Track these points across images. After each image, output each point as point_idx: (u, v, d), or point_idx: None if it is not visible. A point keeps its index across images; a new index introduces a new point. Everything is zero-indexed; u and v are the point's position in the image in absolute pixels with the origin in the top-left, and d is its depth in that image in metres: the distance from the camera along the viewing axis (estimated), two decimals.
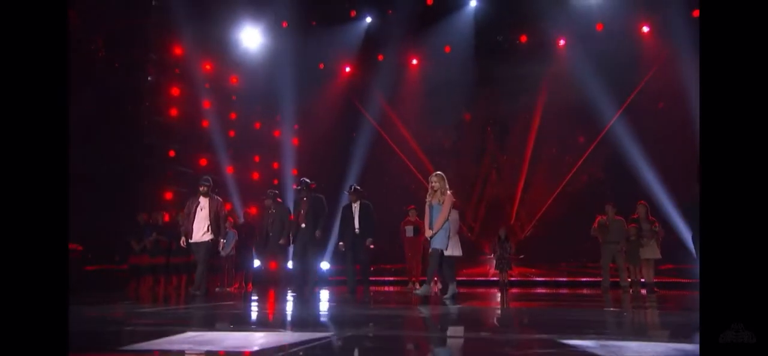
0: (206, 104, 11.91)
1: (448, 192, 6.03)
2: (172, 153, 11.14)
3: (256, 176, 13.24)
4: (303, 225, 7.21)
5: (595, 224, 7.97)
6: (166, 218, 9.53)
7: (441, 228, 5.95)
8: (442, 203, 5.97)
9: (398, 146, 13.86)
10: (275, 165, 13.73)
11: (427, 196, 6.15)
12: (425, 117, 13.65)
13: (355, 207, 7.26)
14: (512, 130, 13.18)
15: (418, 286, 8.76)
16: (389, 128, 13.82)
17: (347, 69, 13.85)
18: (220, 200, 7.40)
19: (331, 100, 13.73)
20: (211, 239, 7.08)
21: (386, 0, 11.92)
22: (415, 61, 13.36)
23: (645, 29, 11.21)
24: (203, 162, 11.81)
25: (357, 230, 7.14)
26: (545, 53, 12.23)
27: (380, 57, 13.23)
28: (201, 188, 7.32)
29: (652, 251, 7.58)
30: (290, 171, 13.81)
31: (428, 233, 6.03)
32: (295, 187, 10.10)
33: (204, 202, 7.24)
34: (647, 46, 11.31)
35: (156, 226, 9.16)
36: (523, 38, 12.21)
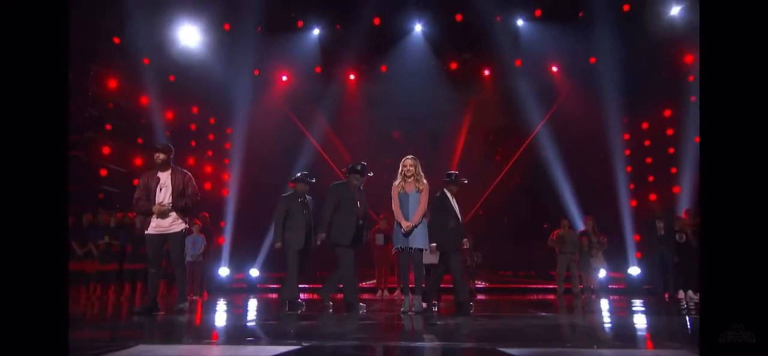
0: (144, 100, 11.21)
1: (424, 180, 5.28)
2: (106, 150, 10.30)
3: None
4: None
5: (554, 236, 9.02)
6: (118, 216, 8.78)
7: (420, 222, 5.16)
8: (421, 191, 5.17)
9: (330, 157, 14.36)
10: (208, 169, 13.26)
11: (398, 182, 5.30)
12: (358, 132, 14.38)
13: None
14: (439, 148, 14.47)
15: (387, 293, 9.26)
16: (322, 140, 14.27)
17: (284, 78, 14.00)
18: (188, 174, 5.28)
19: (265, 107, 13.71)
20: (184, 229, 5.17)
21: (336, 15, 12.38)
22: (352, 77, 14.00)
23: (554, 68, 13.32)
24: (138, 162, 11.07)
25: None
26: (472, 80, 13.76)
27: (317, 69, 13.64)
28: (157, 157, 5.14)
29: (599, 261, 8.86)
30: (221, 176, 13.49)
31: (406, 225, 5.10)
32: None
33: (165, 177, 5.13)
34: (555, 82, 13.45)
35: (107, 228, 8.48)
36: (454, 65, 13.58)
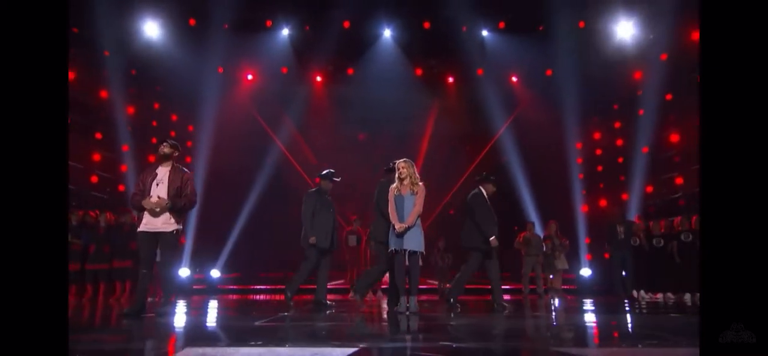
0: (103, 94, 10.77)
1: (420, 183, 5.37)
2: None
3: None
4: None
5: (520, 239, 9.44)
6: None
7: (415, 224, 5.25)
8: (416, 193, 5.25)
9: (295, 157, 14.33)
10: None
11: (394, 185, 5.40)
12: (323, 133, 14.43)
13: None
14: (403, 150, 14.74)
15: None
16: (287, 140, 14.21)
17: (249, 77, 13.83)
18: (189, 173, 5.09)
19: (229, 105, 13.50)
20: (176, 230, 4.94)
21: (306, 16, 12.39)
22: (319, 79, 14.03)
23: (514, 79, 13.95)
24: (96, 157, 10.63)
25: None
26: (436, 87, 14.15)
27: (284, 69, 13.57)
28: (161, 151, 5.03)
29: (562, 263, 9.38)
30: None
31: (400, 227, 5.18)
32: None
33: (163, 173, 4.96)
34: (515, 91, 14.09)
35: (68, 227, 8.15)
36: (419, 71, 13.91)
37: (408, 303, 5.28)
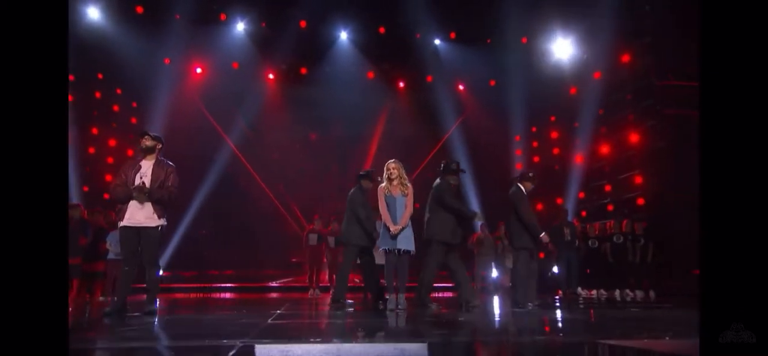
0: None
1: (409, 185, 5.50)
2: None
3: None
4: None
5: (474, 239, 9.97)
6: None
7: (407, 226, 5.38)
8: (406, 195, 5.41)
9: (244, 155, 14.13)
10: (110, 159, 12.25)
11: (383, 185, 5.48)
12: (273, 131, 14.34)
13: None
14: (353, 151, 14.99)
15: (318, 292, 9.43)
16: (237, 137, 13.98)
17: (198, 70, 13.47)
18: (173, 166, 4.91)
19: (177, 98, 13.07)
20: (161, 226, 4.78)
21: (263, 13, 12.29)
22: (271, 76, 13.93)
23: (461, 87, 14.65)
24: None
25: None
26: (387, 91, 14.53)
27: (235, 65, 13.35)
28: (143, 143, 4.85)
29: (510, 262, 9.98)
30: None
31: (395, 229, 5.31)
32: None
33: (147, 166, 4.82)
34: (462, 98, 14.81)
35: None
36: (371, 75, 14.23)
37: (397, 300, 5.41)
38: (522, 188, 6.28)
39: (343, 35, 13.05)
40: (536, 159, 14.25)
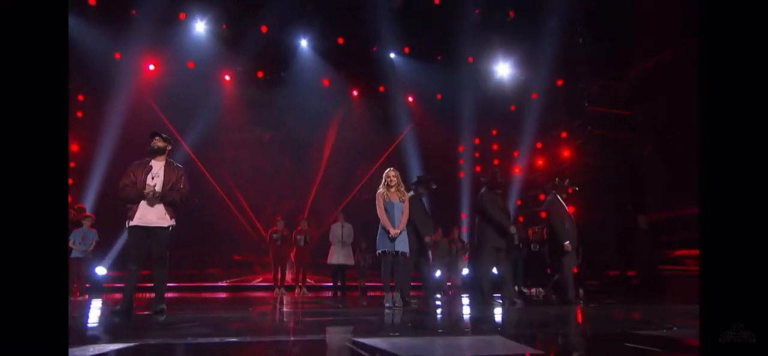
0: None
1: (405, 192, 6.00)
2: None
3: None
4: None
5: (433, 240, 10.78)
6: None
7: (404, 229, 5.86)
8: (403, 201, 5.90)
9: (196, 155, 14.00)
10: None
11: (382, 191, 5.94)
12: (227, 132, 14.36)
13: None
14: (307, 155, 15.34)
15: (284, 292, 9.73)
16: (190, 137, 13.82)
17: (151, 67, 13.21)
18: (182, 168, 5.07)
19: (127, 94, 12.75)
20: (172, 226, 4.87)
21: (223, 14, 12.37)
22: (227, 78, 13.96)
23: (410, 99, 15.54)
24: None
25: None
26: (340, 98, 15.06)
27: (190, 64, 13.26)
28: (155, 144, 4.96)
29: (462, 263, 10.93)
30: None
31: (394, 232, 5.74)
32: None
33: (158, 167, 4.91)
34: (411, 109, 15.69)
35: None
36: (326, 82, 14.70)
37: (393, 298, 5.83)
38: (559, 198, 7.29)
39: (304, 43, 13.40)
40: (478, 168, 15.44)
